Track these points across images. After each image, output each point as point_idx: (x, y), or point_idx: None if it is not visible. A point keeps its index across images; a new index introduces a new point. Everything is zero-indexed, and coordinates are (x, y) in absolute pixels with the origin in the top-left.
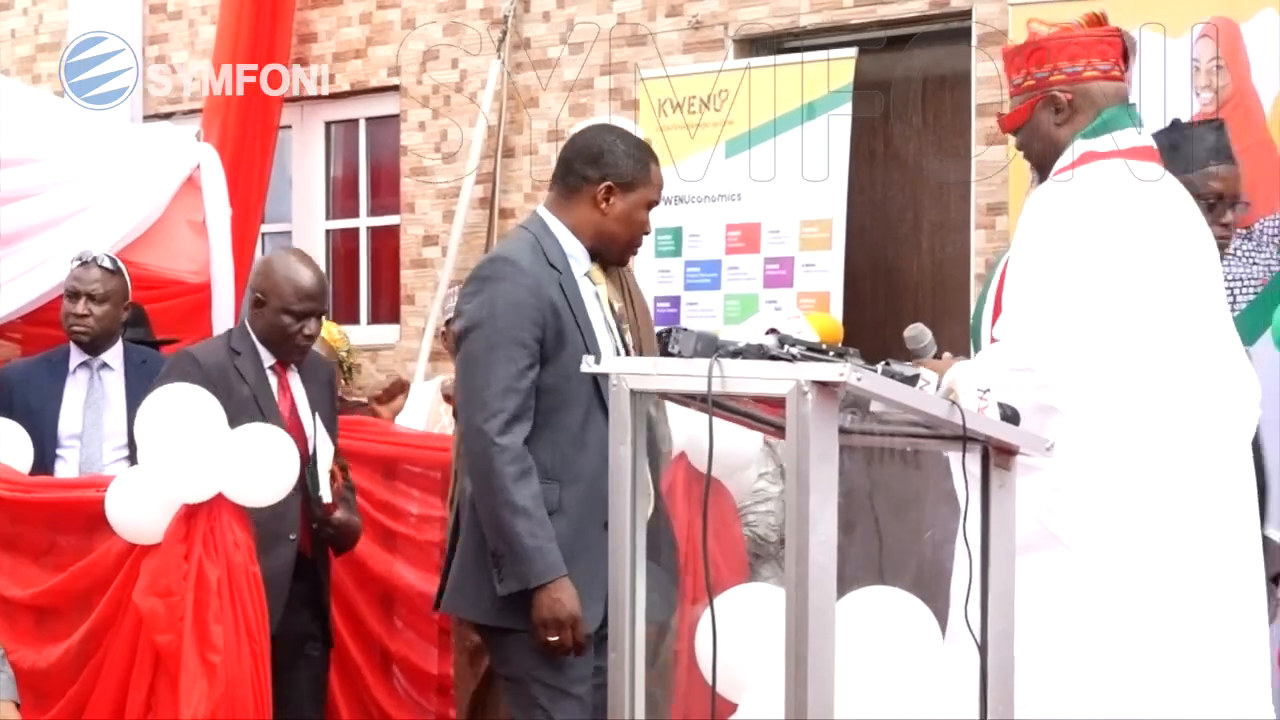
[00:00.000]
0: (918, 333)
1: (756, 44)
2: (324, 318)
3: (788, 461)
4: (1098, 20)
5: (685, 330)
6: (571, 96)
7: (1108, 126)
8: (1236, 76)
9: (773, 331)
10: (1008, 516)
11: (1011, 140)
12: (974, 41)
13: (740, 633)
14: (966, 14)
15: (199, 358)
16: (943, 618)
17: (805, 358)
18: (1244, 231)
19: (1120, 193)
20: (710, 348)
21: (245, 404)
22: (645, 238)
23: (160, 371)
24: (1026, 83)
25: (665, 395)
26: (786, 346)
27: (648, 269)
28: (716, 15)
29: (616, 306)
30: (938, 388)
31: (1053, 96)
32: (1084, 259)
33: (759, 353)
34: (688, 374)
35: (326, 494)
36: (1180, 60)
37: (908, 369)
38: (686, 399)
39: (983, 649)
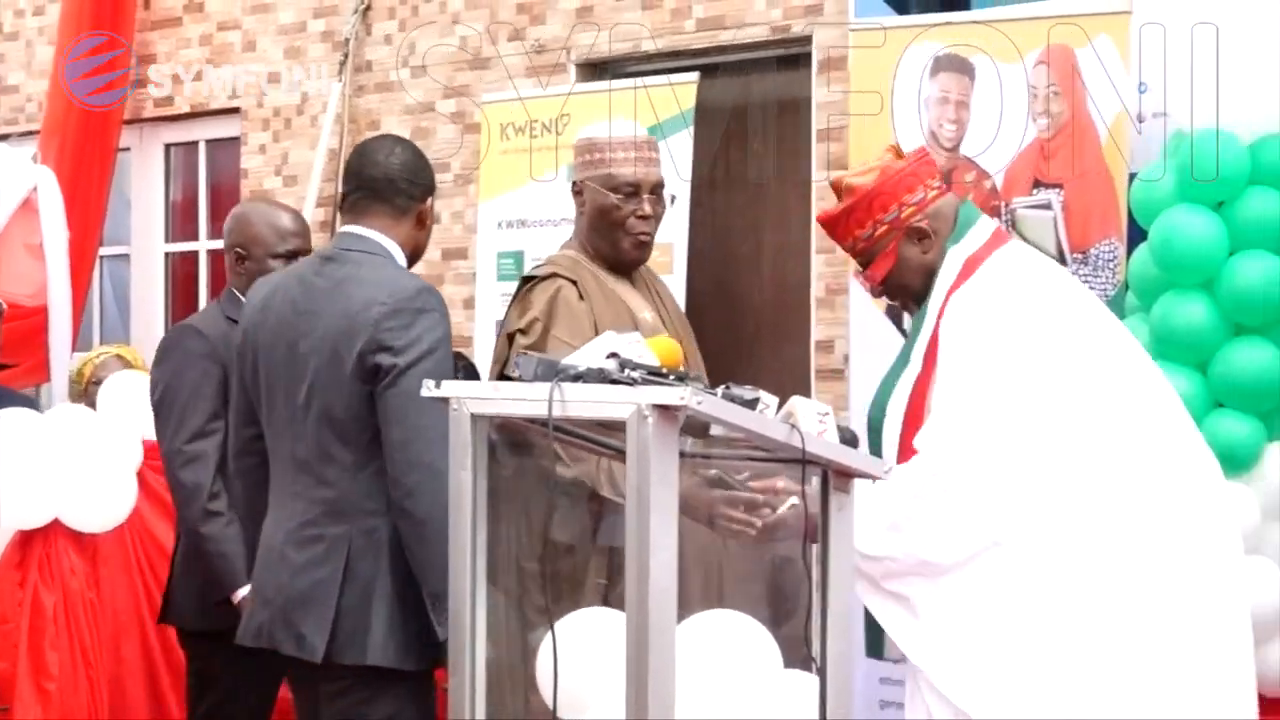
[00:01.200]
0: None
1: (598, 68)
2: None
3: (628, 485)
4: (898, 151)
5: (527, 355)
6: (413, 120)
7: (965, 228)
8: (1073, 103)
9: (613, 355)
10: (846, 539)
11: (851, 167)
12: (814, 67)
13: (581, 656)
14: (807, 40)
15: (201, 328)
16: (786, 642)
17: (646, 381)
18: (1080, 256)
19: (1030, 287)
20: (551, 372)
21: None
22: (494, 260)
23: (160, 347)
24: (879, 230)
25: (506, 419)
26: (627, 370)
27: (490, 292)
28: (558, 39)
29: (648, 317)
30: (778, 411)
31: (914, 229)
32: (1017, 375)
33: (600, 377)
34: (529, 398)
35: None
36: (1017, 87)
37: (748, 392)
38: (528, 423)
39: (821, 671)
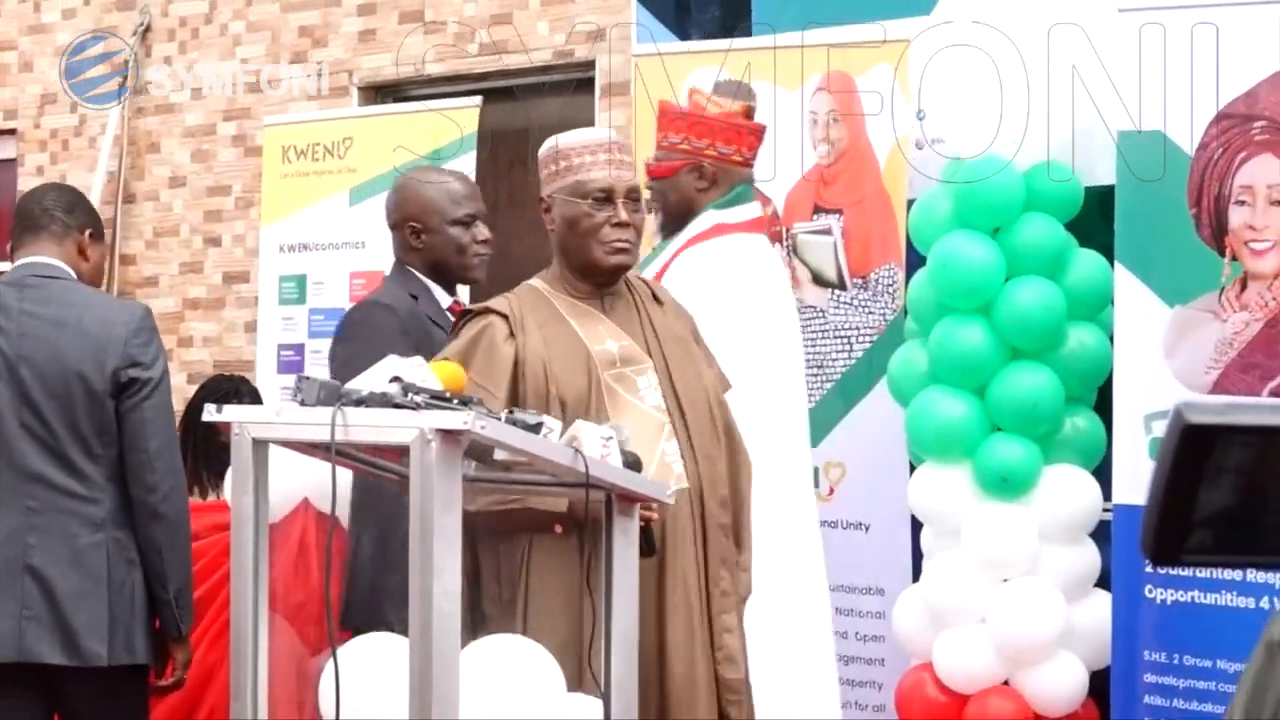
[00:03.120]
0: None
1: (381, 92)
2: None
3: (411, 510)
4: (749, 113)
5: (309, 378)
6: (194, 142)
7: (736, 201)
8: (852, 130)
9: (396, 379)
10: (629, 563)
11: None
12: (598, 92)
13: (365, 681)
14: (590, 65)
15: (391, 304)
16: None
17: (429, 406)
18: (860, 281)
19: (739, 270)
20: (334, 396)
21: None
22: (276, 284)
23: (348, 321)
24: (682, 145)
25: (289, 444)
26: (410, 395)
27: (271, 316)
28: (341, 63)
29: (613, 348)
30: (562, 435)
31: (701, 166)
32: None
33: (383, 401)
34: (311, 423)
35: None
36: (796, 113)
37: (531, 417)
38: (311, 448)
39: (606, 696)
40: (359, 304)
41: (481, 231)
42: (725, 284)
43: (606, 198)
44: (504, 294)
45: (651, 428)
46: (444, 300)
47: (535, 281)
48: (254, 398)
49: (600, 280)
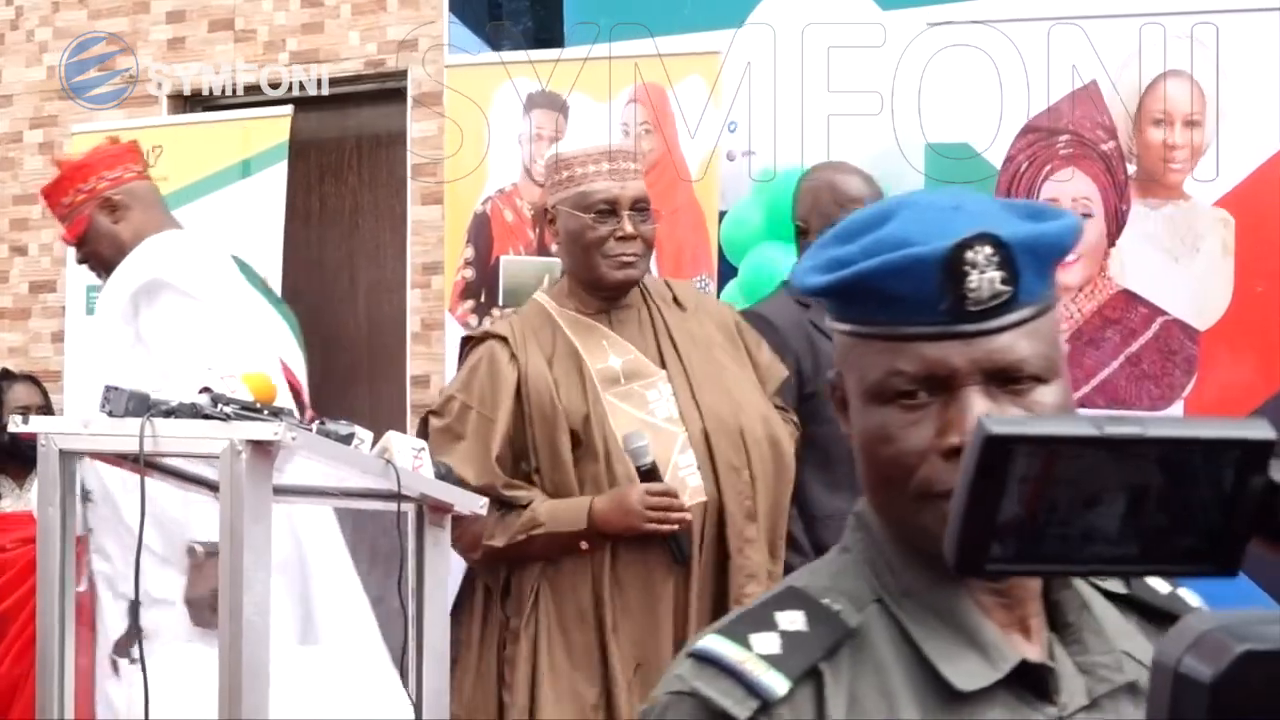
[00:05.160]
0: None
1: (191, 100)
2: None
3: (221, 521)
4: (116, 140)
5: (117, 389)
6: (0, 150)
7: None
8: (665, 140)
9: (206, 390)
10: (441, 573)
11: (446, 202)
12: (409, 102)
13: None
14: (402, 74)
15: (768, 316)
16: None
17: (239, 417)
18: None
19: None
20: (143, 407)
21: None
22: (84, 294)
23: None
24: (77, 199)
25: (98, 455)
26: (220, 406)
27: (79, 327)
28: (150, 71)
29: (616, 364)
30: (373, 447)
31: (106, 199)
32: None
33: (193, 412)
34: (119, 434)
35: None
36: (609, 125)
37: (343, 428)
38: (119, 459)
39: (418, 706)
40: (750, 311)
41: None
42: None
43: (610, 210)
44: (507, 316)
45: (664, 441)
46: None
47: (542, 297)
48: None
49: (607, 295)
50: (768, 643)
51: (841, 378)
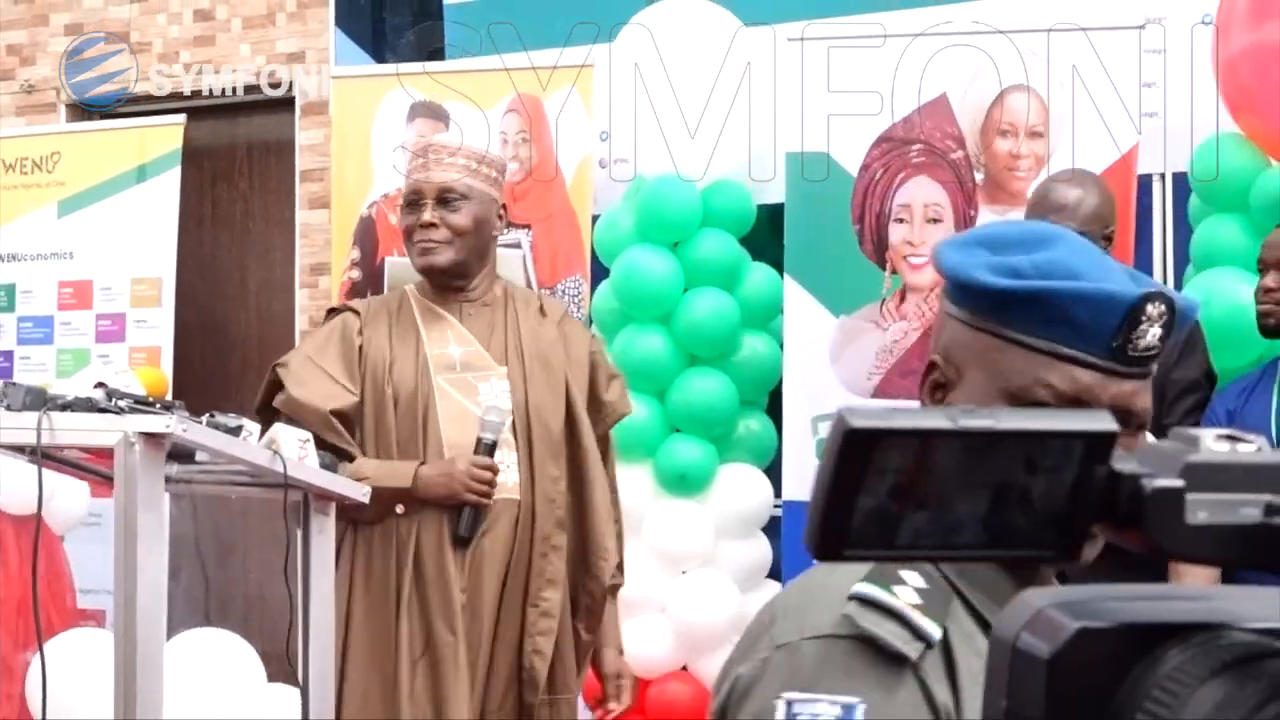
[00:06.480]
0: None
1: (89, 108)
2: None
3: (115, 510)
4: None
5: (14, 384)
6: None
7: None
8: (541, 149)
9: (101, 385)
10: (326, 559)
11: (332, 206)
12: (298, 111)
13: (73, 676)
14: (290, 85)
15: None
16: (269, 657)
17: (133, 410)
18: (548, 291)
19: None
20: (39, 401)
21: None
22: None
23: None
24: None
25: None
26: (115, 400)
27: None
28: (49, 80)
29: (455, 353)
30: (260, 438)
31: None
32: None
33: (88, 405)
34: (17, 426)
35: None
36: (488, 133)
37: (231, 420)
38: (16, 451)
39: (304, 689)
40: None
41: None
42: None
43: (417, 200)
44: (371, 296)
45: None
46: None
47: (410, 287)
48: None
49: (436, 282)
50: (908, 594)
51: (954, 367)
